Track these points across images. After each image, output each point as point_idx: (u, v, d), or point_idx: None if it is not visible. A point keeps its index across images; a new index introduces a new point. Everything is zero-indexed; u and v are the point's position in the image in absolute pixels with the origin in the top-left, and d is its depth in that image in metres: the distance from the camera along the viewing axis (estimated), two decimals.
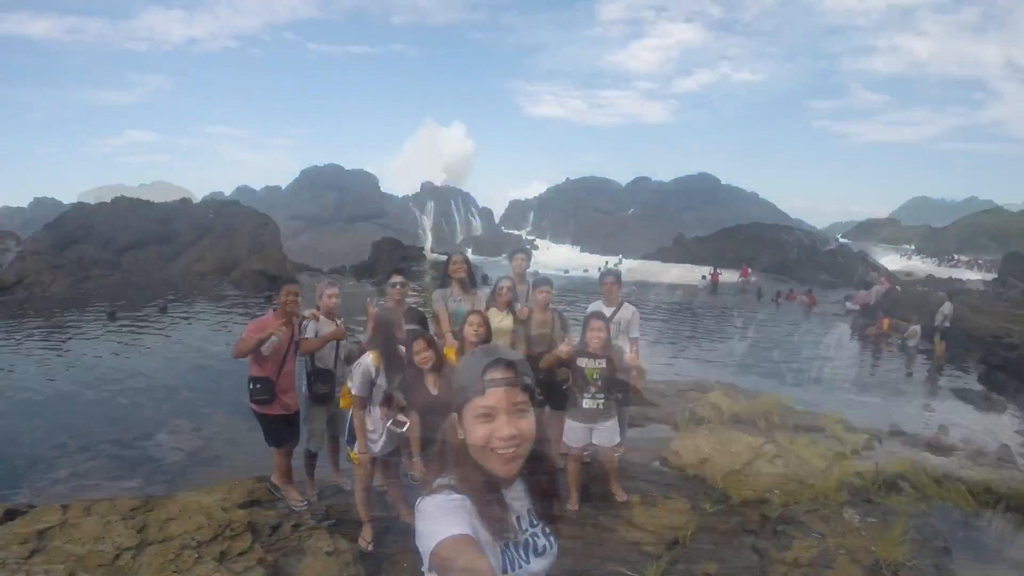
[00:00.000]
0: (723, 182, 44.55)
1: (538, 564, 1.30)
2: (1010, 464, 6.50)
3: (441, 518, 1.17)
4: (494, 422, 1.25)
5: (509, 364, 1.28)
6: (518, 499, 1.34)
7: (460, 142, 71.89)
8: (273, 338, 4.22)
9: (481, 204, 46.91)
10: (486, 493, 1.26)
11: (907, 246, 70.05)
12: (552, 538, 1.36)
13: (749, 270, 30.53)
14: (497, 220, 48.25)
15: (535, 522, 1.34)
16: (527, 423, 1.27)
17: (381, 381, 3.92)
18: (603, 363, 4.28)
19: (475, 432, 1.26)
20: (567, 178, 50.68)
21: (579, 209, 45.89)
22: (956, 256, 59.42)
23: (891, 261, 48.61)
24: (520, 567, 1.26)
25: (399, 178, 49.79)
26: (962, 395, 10.70)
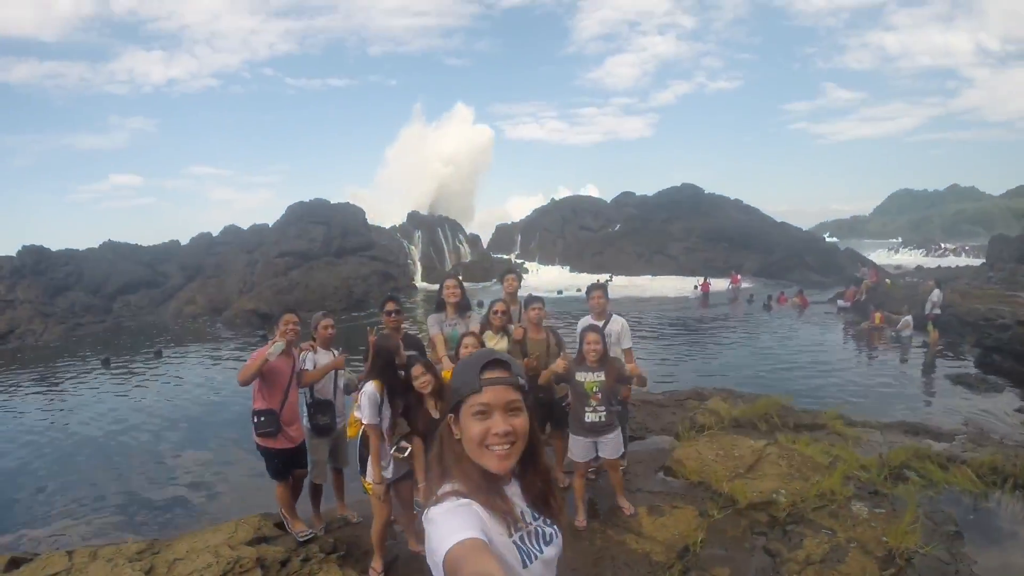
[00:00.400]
0: (706, 191, 44.50)
1: (550, 552, 1.37)
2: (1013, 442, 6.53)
3: (449, 524, 1.18)
4: (490, 419, 1.30)
5: (505, 364, 1.35)
6: (516, 495, 1.39)
7: (466, 128, 67.27)
8: (279, 343, 4.26)
9: (468, 231, 46.88)
10: (488, 488, 1.30)
11: (894, 239, 70.68)
12: (555, 527, 1.42)
13: (739, 277, 30.64)
14: (485, 246, 48.15)
15: (536, 515, 1.40)
16: (521, 421, 1.33)
17: (385, 407, 3.93)
18: (601, 375, 4.28)
19: (471, 429, 1.31)
20: (552, 199, 50.77)
21: (565, 229, 45.87)
22: (943, 245, 60.09)
23: (879, 256, 49.01)
24: (536, 557, 1.32)
25: (387, 198, 49.28)
26: (960, 380, 10.75)
